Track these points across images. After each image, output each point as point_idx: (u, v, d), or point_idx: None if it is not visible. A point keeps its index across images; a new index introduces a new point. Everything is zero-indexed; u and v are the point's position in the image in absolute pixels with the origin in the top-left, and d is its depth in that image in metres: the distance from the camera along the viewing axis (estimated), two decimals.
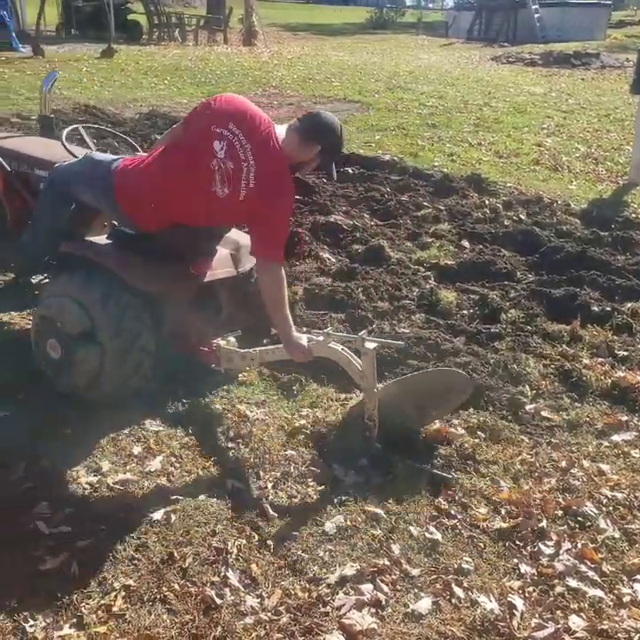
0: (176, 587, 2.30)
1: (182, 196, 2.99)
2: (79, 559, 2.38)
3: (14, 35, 15.06)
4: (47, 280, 3.63)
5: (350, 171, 7.26)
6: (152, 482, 2.79)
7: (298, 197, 6.34)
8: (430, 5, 63.78)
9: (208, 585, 2.32)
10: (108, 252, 3.14)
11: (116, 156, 3.29)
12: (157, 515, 2.60)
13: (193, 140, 2.99)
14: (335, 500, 2.75)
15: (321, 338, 3.02)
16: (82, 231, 3.40)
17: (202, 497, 2.72)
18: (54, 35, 19.30)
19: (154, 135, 8.52)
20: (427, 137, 9.58)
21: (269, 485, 2.82)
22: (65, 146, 3.59)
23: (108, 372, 3.11)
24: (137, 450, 2.98)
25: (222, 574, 2.36)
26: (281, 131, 3.01)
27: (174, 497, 2.70)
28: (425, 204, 6.32)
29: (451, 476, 2.89)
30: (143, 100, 10.95)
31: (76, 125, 3.87)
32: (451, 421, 3.26)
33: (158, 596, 2.26)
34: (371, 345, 2.89)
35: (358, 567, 2.42)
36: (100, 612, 2.20)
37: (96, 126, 4.54)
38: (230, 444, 3.06)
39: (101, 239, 3.27)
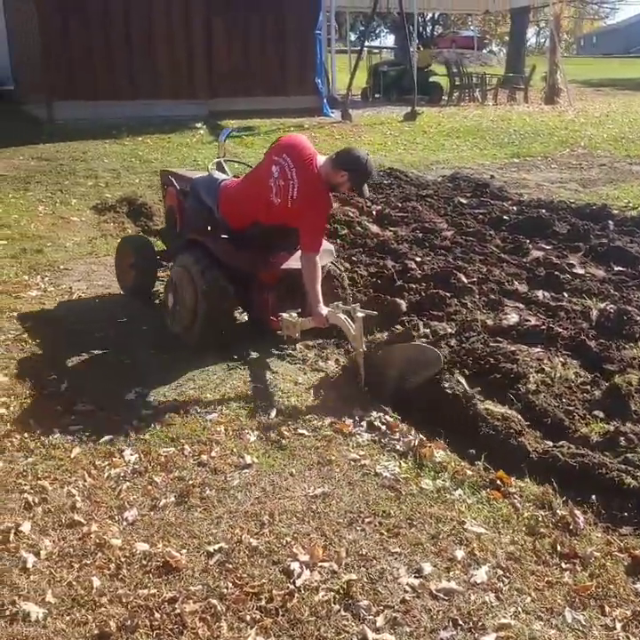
0: None
1: (253, 202, 4.30)
2: None
3: (325, 100, 16.14)
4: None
5: None
6: (479, 597, 2.49)
7: None
8: None
9: None
10: (213, 241, 4.40)
11: (226, 177, 4.76)
12: (488, 638, 2.30)
13: (261, 166, 4.37)
14: None
15: (330, 309, 4.03)
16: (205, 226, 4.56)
17: (537, 626, 2.36)
18: (359, 99, 20.44)
19: (457, 198, 8.45)
20: None
21: (618, 625, 2.38)
22: (210, 171, 4.93)
23: (197, 325, 4.32)
24: (460, 554, 2.71)
25: None
26: (322, 159, 4.18)
27: (505, 620, 2.38)
28: None
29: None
30: (445, 162, 11.00)
31: (219, 159, 5.18)
32: None
33: None
34: (360, 314, 3.88)
35: None
36: None
37: (236, 160, 6.14)
38: (564, 564, 2.67)
39: (214, 234, 4.48)
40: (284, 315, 4.19)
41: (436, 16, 47.37)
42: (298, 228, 4.16)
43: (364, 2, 18.95)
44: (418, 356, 3.82)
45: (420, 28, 36.75)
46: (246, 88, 14.65)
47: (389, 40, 47.40)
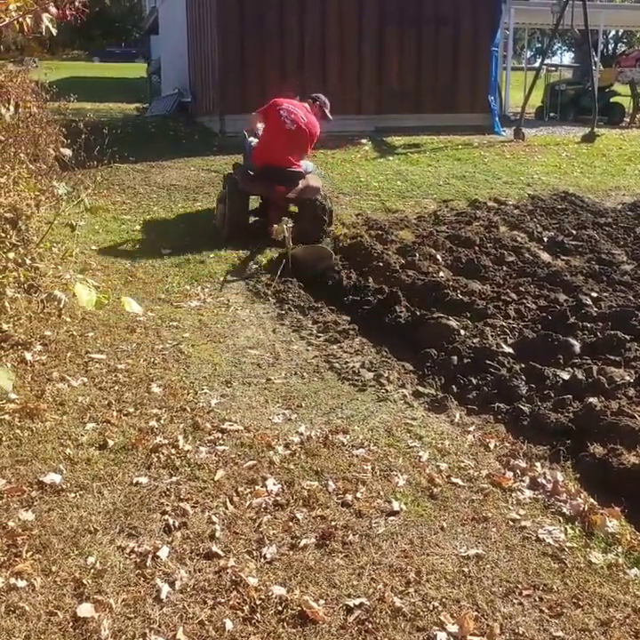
0: None
1: (274, 144, 6.95)
2: None
3: (497, 119, 15.60)
4: None
5: None
6: None
7: None
8: None
9: None
10: (242, 175, 7.09)
11: (256, 141, 7.26)
12: None
13: (270, 122, 7.02)
14: None
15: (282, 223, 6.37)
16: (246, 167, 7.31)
17: None
18: (532, 118, 19.65)
19: (639, 228, 7.79)
20: None
21: None
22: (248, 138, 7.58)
23: (226, 221, 7.09)
24: None
25: None
26: (305, 104, 7.22)
27: None
28: None
29: None
30: (626, 188, 10.23)
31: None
32: None
33: None
34: (290, 224, 6.24)
35: None
36: None
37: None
38: None
39: (245, 172, 7.14)
40: (275, 225, 6.59)
41: (620, 33, 45.06)
42: (309, 139, 7.06)
43: (545, 18, 18.18)
44: (319, 253, 6.34)
45: (602, 46, 34.97)
46: (415, 104, 14.43)
47: (566, 58, 45.65)
